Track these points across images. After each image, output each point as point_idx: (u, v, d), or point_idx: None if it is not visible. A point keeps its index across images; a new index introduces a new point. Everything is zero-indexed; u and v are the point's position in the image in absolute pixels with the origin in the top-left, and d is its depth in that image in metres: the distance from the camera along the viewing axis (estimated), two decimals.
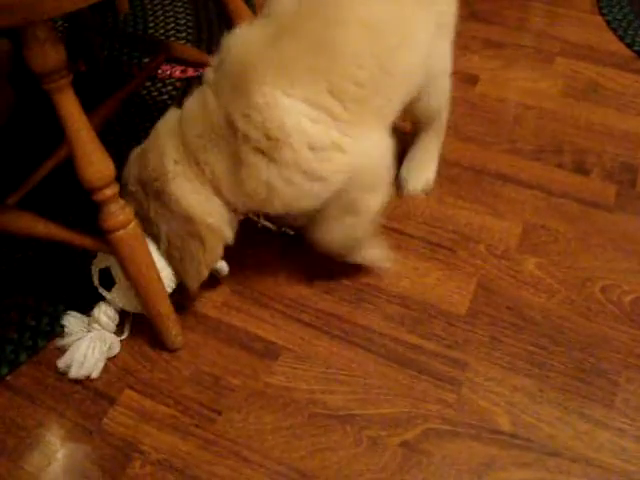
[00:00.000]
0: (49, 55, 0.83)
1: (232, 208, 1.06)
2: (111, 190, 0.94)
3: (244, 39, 1.00)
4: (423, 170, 1.37)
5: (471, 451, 1.01)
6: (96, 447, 1.03)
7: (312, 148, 0.98)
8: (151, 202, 1.04)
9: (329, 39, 0.97)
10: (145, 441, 1.03)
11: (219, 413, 1.05)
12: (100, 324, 1.11)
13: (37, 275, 1.25)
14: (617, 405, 1.05)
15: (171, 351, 1.12)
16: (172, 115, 1.07)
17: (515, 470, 0.98)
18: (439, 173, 1.38)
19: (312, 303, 1.18)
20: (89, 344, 1.09)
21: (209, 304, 1.19)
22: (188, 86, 1.60)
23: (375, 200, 1.09)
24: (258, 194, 1.00)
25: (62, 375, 1.10)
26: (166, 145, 1.03)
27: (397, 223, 1.30)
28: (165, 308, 1.06)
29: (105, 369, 1.11)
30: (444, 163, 1.39)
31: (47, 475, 1.00)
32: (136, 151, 1.09)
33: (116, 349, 1.12)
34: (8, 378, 1.11)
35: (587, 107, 1.56)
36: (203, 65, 1.41)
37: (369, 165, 1.05)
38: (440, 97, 1.29)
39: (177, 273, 1.09)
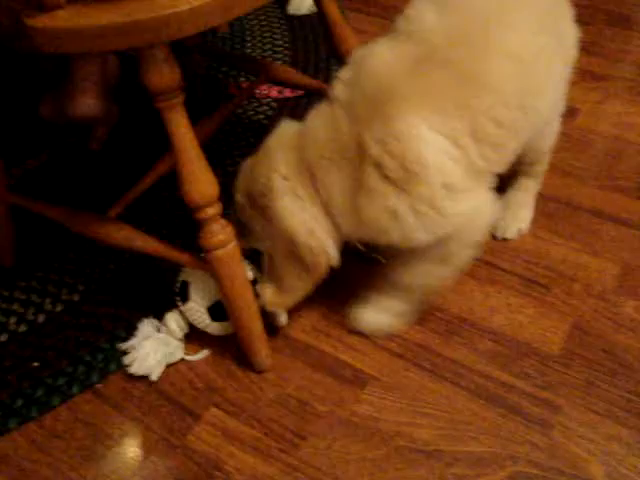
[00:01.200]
0: (165, 75, 0.84)
1: (341, 232, 1.02)
2: (214, 209, 0.95)
3: (382, 58, 0.96)
4: (517, 219, 1.32)
5: None
6: (179, 463, 1.03)
7: (446, 187, 0.94)
8: (257, 217, 1.04)
9: (477, 71, 0.93)
10: (228, 461, 1.03)
11: (304, 438, 1.04)
12: (168, 329, 1.14)
13: (130, 287, 1.27)
14: None
15: (258, 372, 1.12)
16: (286, 129, 1.05)
17: None
18: (535, 207, 1.35)
19: (402, 333, 1.16)
20: (153, 345, 1.12)
21: (298, 327, 1.18)
22: (284, 106, 1.62)
23: (468, 256, 1.07)
24: (377, 221, 0.97)
25: (148, 387, 1.12)
26: (277, 160, 1.01)
27: (491, 257, 1.27)
28: (257, 329, 1.06)
29: (192, 385, 1.12)
30: (540, 197, 1.35)
31: None
32: (247, 162, 1.08)
33: (178, 356, 1.14)
34: (98, 386, 1.13)
35: None
36: (300, 86, 1.42)
37: (479, 221, 1.03)
38: (550, 139, 1.25)
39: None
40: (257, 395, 1.10)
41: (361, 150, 0.94)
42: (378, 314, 1.14)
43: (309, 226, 1.00)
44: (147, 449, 1.05)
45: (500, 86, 0.94)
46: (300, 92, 1.62)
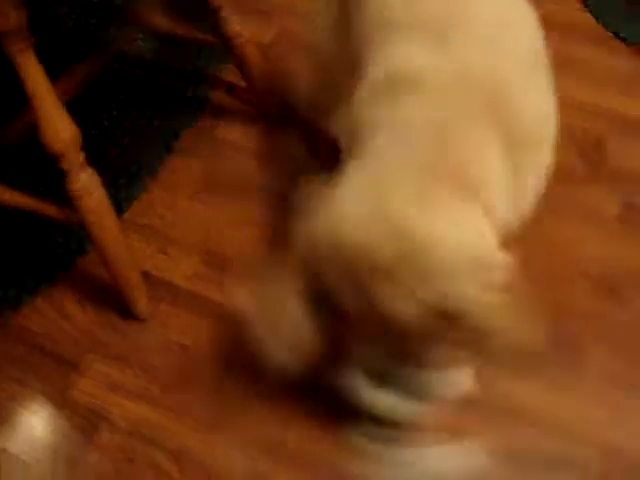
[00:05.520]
0: (11, 16, 0.82)
1: None
2: (77, 157, 0.93)
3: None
4: None
5: (442, 416, 1.01)
6: (63, 418, 1.03)
7: None
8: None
9: None
10: (113, 410, 1.03)
11: (187, 382, 1.05)
12: None
13: (4, 245, 1.23)
14: (585, 373, 1.05)
15: (140, 321, 1.11)
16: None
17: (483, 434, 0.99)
18: None
19: None
20: None
21: (178, 274, 1.18)
22: (162, 58, 1.58)
23: None
24: None
25: (29, 346, 1.10)
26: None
27: None
28: (134, 277, 1.06)
29: (73, 340, 1.10)
30: None
31: (13, 446, 1.00)
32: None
33: None
34: None
35: (556, 79, 1.56)
36: (174, 34, 1.39)
37: None
38: None
39: None
40: (139, 344, 1.09)
41: None
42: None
43: None
44: (30, 409, 1.04)
45: None
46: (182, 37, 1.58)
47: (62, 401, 1.04)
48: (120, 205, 1.26)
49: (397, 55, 0.81)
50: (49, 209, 1.01)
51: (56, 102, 0.89)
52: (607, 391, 1.03)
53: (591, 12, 1.74)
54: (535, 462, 0.96)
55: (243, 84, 1.41)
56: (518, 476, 0.95)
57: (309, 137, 1.32)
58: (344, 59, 0.93)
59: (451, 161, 0.74)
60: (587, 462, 0.96)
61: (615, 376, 1.04)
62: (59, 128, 0.89)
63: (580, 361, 1.07)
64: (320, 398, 1.01)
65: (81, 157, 0.93)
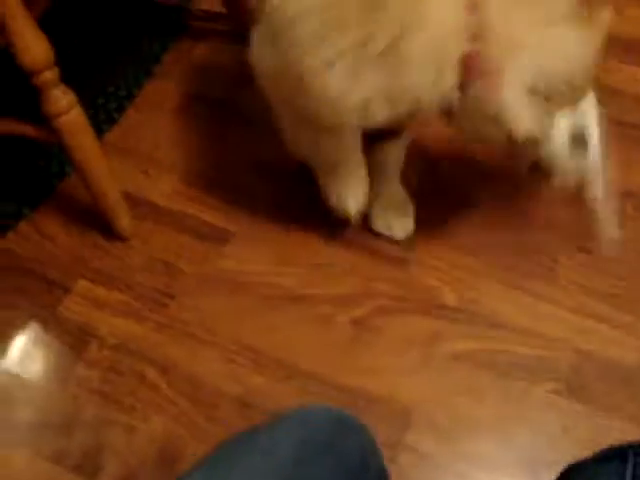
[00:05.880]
0: None
1: None
2: (51, 73, 0.92)
3: None
4: None
5: (419, 325, 1.04)
6: (53, 335, 1.05)
7: None
8: None
9: None
10: (101, 327, 1.05)
11: (172, 297, 1.07)
12: None
13: None
14: (557, 280, 1.08)
15: (123, 240, 1.13)
16: None
17: (461, 341, 1.02)
18: None
19: (263, 188, 1.19)
20: None
21: (157, 193, 1.19)
22: None
23: None
24: None
25: (13, 267, 1.11)
26: None
27: None
28: (115, 197, 1.07)
29: (57, 260, 1.12)
30: None
31: (6, 362, 1.03)
32: None
33: None
34: None
35: None
36: None
37: None
38: None
39: None
40: (124, 262, 1.11)
41: None
42: None
43: None
44: (19, 328, 1.06)
45: None
46: None
47: (52, 320, 1.06)
48: (100, 128, 1.26)
49: None
50: (27, 129, 1.01)
51: (26, 16, 0.87)
52: (579, 299, 1.06)
53: None
54: (513, 366, 1.00)
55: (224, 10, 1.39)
56: (499, 381, 0.98)
57: None
58: None
59: None
60: (561, 363, 1.00)
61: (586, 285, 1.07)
62: (32, 44, 0.88)
63: (553, 269, 1.09)
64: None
65: (55, 74, 0.93)
